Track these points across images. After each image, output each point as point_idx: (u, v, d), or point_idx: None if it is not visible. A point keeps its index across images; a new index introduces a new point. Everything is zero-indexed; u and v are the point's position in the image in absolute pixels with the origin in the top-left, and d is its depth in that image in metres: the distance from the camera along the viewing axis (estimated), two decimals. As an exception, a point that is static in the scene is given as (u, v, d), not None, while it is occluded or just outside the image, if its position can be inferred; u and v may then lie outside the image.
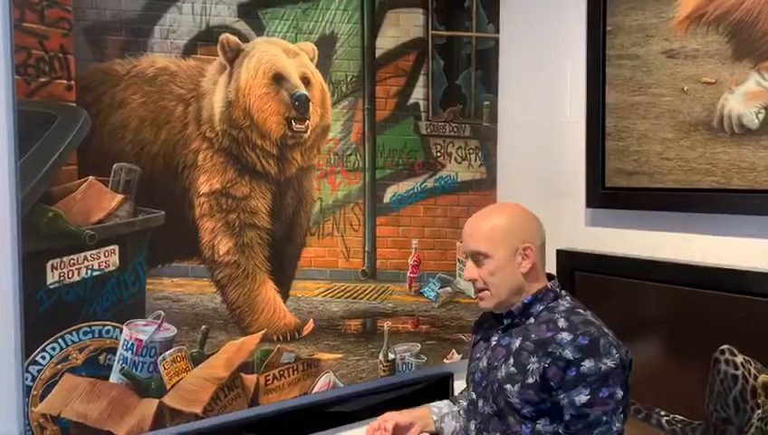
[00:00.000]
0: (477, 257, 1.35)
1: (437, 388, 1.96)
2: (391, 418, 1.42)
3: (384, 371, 1.87)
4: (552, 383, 1.25)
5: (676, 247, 1.67)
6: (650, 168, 1.71)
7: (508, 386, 1.30)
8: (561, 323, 1.29)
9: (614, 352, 1.23)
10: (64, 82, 1.35)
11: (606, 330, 1.28)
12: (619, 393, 1.24)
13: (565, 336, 1.25)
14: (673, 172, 1.67)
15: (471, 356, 1.49)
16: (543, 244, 1.40)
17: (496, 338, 1.39)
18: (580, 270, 1.88)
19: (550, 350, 1.25)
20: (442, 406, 1.51)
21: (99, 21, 1.40)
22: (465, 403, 1.50)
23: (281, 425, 1.69)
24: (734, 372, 1.53)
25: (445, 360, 1.98)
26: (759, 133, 1.51)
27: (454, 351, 2.00)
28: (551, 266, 1.91)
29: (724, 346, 1.54)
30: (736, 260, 1.55)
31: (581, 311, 1.32)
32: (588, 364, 1.22)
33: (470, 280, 1.39)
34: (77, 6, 1.36)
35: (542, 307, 1.34)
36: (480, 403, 1.39)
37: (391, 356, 1.88)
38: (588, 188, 1.86)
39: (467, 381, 1.50)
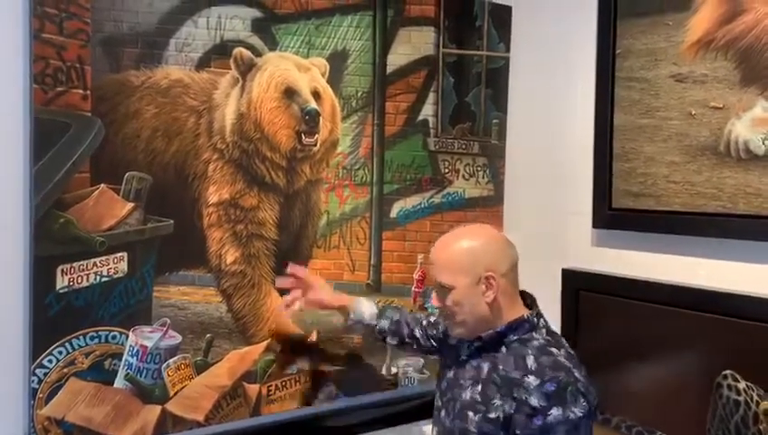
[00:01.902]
0: (441, 288, 1.31)
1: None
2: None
3: (386, 384, 1.88)
4: (516, 431, 1.19)
5: (682, 270, 1.67)
6: (657, 190, 1.72)
7: (470, 413, 1.26)
8: (530, 362, 1.22)
9: (581, 400, 1.17)
10: (80, 91, 1.38)
11: (576, 373, 1.21)
12: None
13: (532, 381, 1.19)
14: (679, 195, 1.67)
15: (442, 357, 1.47)
16: (513, 268, 1.31)
17: (466, 354, 1.33)
18: (585, 290, 1.89)
19: (515, 394, 1.20)
20: (364, 312, 1.58)
21: (116, 33, 1.43)
22: (386, 324, 1.58)
23: (282, 435, 1.71)
24: (736, 398, 1.52)
25: (447, 375, 1.98)
26: (765, 159, 1.51)
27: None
28: (555, 286, 1.94)
29: (727, 372, 1.54)
30: (741, 285, 1.55)
31: (554, 350, 1.25)
32: (555, 413, 1.16)
33: (438, 308, 1.36)
34: (95, 19, 1.40)
35: (515, 338, 1.27)
36: (443, 414, 1.36)
37: (394, 370, 1.89)
38: (594, 208, 1.87)
39: (438, 377, 1.47)
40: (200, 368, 1.57)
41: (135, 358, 1.48)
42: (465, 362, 1.33)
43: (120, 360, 1.46)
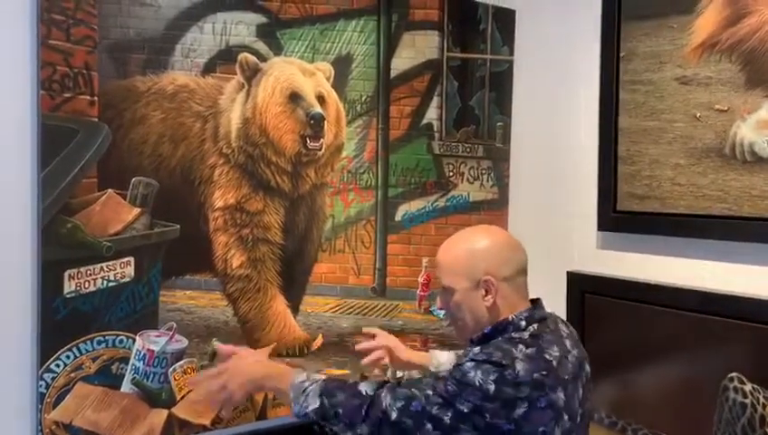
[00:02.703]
0: (443, 290, 1.31)
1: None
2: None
3: (392, 388, 1.88)
4: None
5: (687, 273, 1.67)
6: (662, 193, 1.72)
7: None
8: (490, 343, 1.23)
9: (490, 378, 1.12)
10: (87, 97, 1.39)
11: (519, 366, 1.14)
12: (463, 408, 1.12)
13: (477, 350, 1.19)
14: (684, 198, 1.67)
15: None
16: (518, 272, 1.29)
17: None
18: (590, 293, 1.88)
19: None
20: (444, 363, 1.52)
21: (122, 39, 1.44)
22: None
23: (288, 439, 1.71)
24: (742, 401, 1.52)
25: (453, 379, 1.98)
26: (771, 162, 1.51)
27: (462, 370, 2.00)
28: (560, 289, 1.93)
29: (733, 374, 1.54)
30: (747, 287, 1.55)
31: (520, 346, 1.19)
32: (468, 364, 1.15)
33: (441, 309, 1.37)
34: (102, 25, 1.41)
35: (499, 338, 1.24)
36: None
37: (399, 374, 1.89)
38: (599, 211, 1.87)
39: None
40: (206, 372, 1.57)
41: (142, 362, 1.48)
42: None
43: (127, 364, 1.47)
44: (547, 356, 1.19)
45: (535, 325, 1.25)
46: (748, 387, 1.51)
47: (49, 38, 1.34)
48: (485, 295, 1.26)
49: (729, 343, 1.55)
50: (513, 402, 1.13)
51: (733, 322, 1.54)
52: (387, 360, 1.56)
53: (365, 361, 1.56)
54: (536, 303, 1.32)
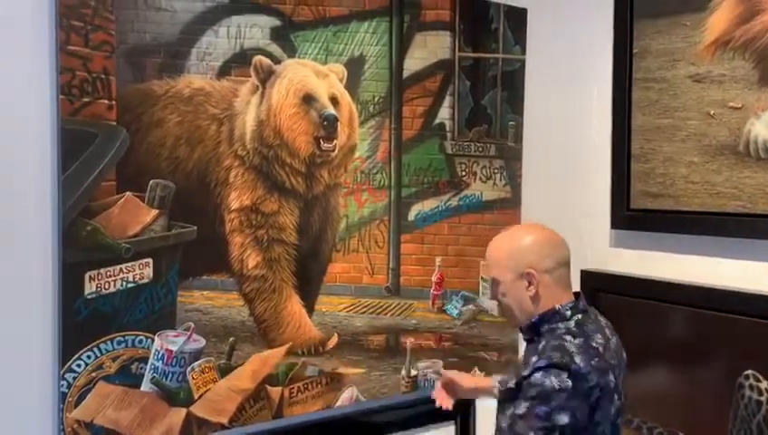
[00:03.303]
0: (493, 282, 1.44)
1: (459, 405, 1.96)
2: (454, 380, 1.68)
3: (406, 386, 1.89)
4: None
5: (700, 271, 1.67)
6: (676, 190, 1.72)
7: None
8: (541, 346, 1.32)
9: (564, 375, 1.23)
10: (106, 102, 1.41)
11: (578, 359, 1.25)
12: (563, 418, 1.22)
13: (535, 360, 1.28)
14: (698, 196, 1.67)
15: None
16: (558, 265, 1.39)
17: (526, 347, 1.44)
18: (603, 291, 1.89)
19: (522, 371, 1.30)
20: (507, 380, 1.61)
21: (139, 44, 1.46)
22: None
23: (304, 437, 1.72)
24: (758, 398, 1.51)
25: (467, 377, 1.99)
26: (785, 159, 1.51)
27: (476, 368, 2.01)
28: (574, 287, 1.93)
29: (749, 372, 1.54)
30: (761, 285, 1.55)
31: (568, 338, 1.30)
32: (537, 375, 1.24)
33: (492, 299, 1.49)
34: (120, 30, 1.43)
35: (546, 327, 1.35)
36: None
37: (413, 372, 1.90)
38: (613, 209, 1.87)
39: None
40: (224, 371, 1.59)
41: (161, 362, 1.50)
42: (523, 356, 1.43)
43: (147, 364, 1.49)
44: (594, 344, 1.30)
45: (579, 316, 1.36)
46: (764, 384, 1.51)
47: (68, 44, 1.37)
48: (528, 286, 1.37)
49: (744, 340, 1.55)
50: (589, 393, 1.24)
51: (748, 319, 1.54)
52: (448, 403, 1.70)
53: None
54: (578, 295, 1.42)
